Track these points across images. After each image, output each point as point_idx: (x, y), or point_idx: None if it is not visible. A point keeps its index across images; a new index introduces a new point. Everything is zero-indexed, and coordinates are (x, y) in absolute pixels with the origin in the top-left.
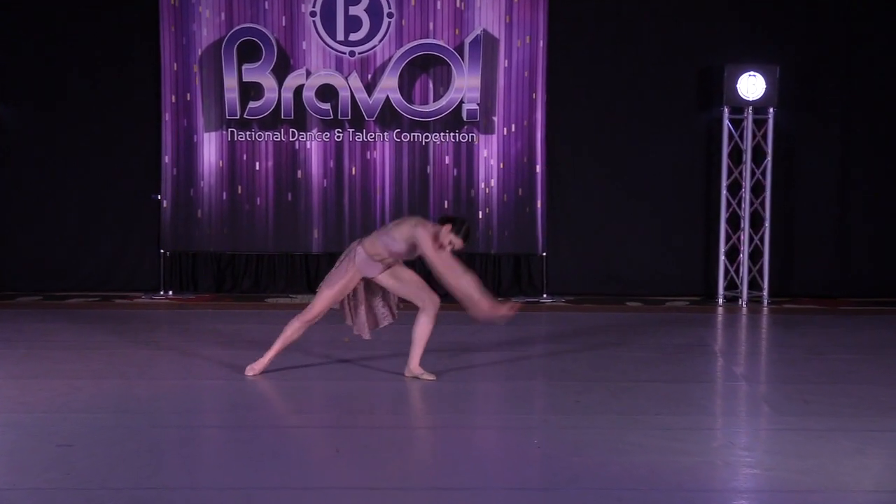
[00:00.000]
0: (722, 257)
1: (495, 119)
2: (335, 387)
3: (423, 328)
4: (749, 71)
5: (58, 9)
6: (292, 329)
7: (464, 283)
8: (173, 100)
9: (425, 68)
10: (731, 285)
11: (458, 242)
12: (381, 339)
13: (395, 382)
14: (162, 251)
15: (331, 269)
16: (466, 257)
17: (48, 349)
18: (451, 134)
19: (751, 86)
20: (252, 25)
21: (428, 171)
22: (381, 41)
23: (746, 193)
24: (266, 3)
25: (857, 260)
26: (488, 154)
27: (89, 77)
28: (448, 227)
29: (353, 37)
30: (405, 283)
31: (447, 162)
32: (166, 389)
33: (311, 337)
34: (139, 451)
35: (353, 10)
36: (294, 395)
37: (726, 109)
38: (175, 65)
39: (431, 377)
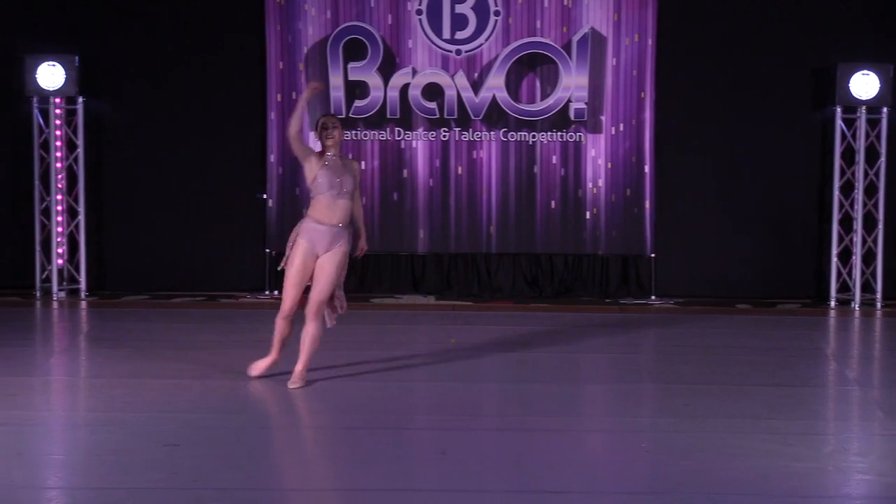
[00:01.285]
0: (834, 259)
1: (603, 118)
2: (439, 388)
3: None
4: (862, 70)
5: (163, 7)
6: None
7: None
8: (279, 98)
9: (532, 67)
10: (844, 288)
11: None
12: (490, 338)
13: (500, 384)
14: (268, 250)
15: (436, 269)
16: (573, 259)
17: (154, 349)
18: (559, 133)
19: (864, 85)
20: (358, 24)
21: (535, 170)
22: (487, 39)
23: (859, 194)
24: (372, 2)
25: None
26: (596, 154)
27: (195, 75)
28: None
29: (460, 35)
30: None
31: (554, 161)
32: (271, 389)
33: (416, 337)
34: (245, 451)
35: (459, 9)
36: (397, 395)
37: (839, 109)
38: (281, 63)
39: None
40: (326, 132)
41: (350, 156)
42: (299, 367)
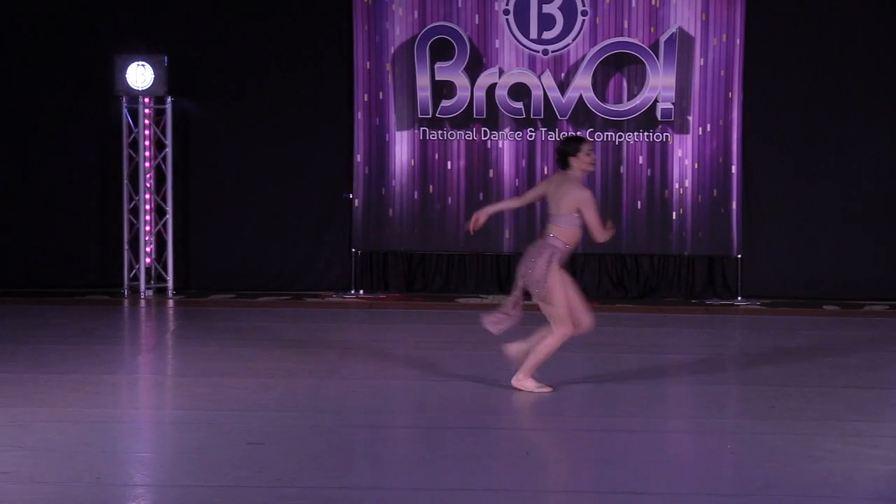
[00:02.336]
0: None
1: (690, 118)
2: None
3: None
4: None
5: (250, 7)
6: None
7: None
8: (366, 98)
9: (619, 67)
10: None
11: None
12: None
13: (585, 385)
14: (353, 250)
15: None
16: (659, 260)
17: (240, 347)
18: (645, 133)
19: None
20: (445, 24)
21: (621, 170)
22: (574, 39)
23: None
24: (459, 2)
25: None
26: (683, 154)
27: (281, 75)
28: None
29: (547, 35)
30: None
31: (641, 162)
32: (356, 388)
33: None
34: (329, 450)
35: (546, 9)
36: (483, 396)
37: None
38: (368, 63)
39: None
40: (591, 157)
41: (436, 156)
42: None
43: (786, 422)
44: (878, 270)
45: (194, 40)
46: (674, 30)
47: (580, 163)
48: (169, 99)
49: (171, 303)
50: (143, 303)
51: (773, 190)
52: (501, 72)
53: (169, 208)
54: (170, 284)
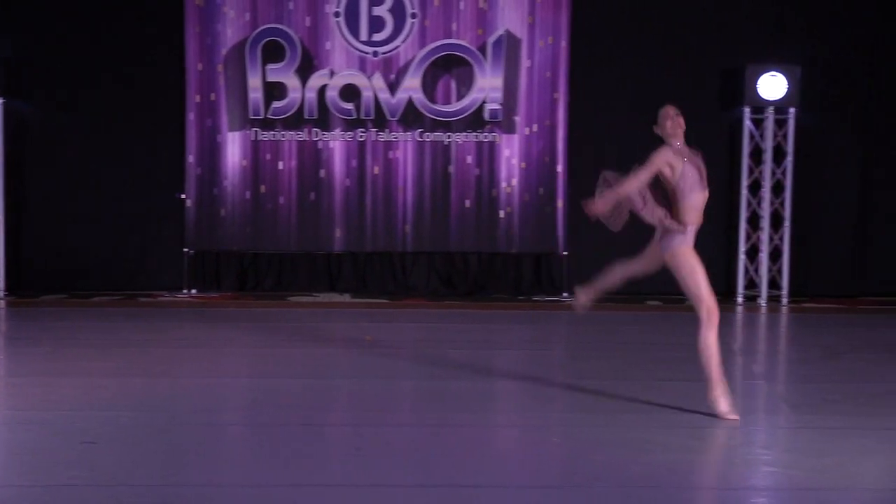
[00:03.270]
0: (742, 257)
1: (517, 119)
2: (354, 385)
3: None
4: (770, 71)
5: (83, 8)
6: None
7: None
8: (198, 99)
9: (448, 68)
10: (751, 285)
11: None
12: (405, 335)
13: (415, 381)
14: (186, 250)
15: (352, 267)
16: (487, 257)
17: (72, 347)
18: (473, 134)
19: (772, 85)
20: (276, 26)
21: (450, 170)
22: (404, 41)
23: (766, 193)
24: (290, 4)
25: (877, 260)
26: (510, 154)
27: (114, 76)
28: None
29: (377, 37)
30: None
31: (469, 161)
32: (189, 387)
33: (334, 334)
34: (162, 448)
35: (376, 11)
36: (315, 394)
37: (747, 109)
38: (200, 65)
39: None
40: (672, 122)
41: (268, 156)
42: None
43: (611, 415)
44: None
45: (26, 42)
46: (501, 32)
47: (661, 130)
48: (0, 100)
49: (2, 304)
50: None
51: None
52: (332, 73)
53: (0, 210)
54: (0, 285)
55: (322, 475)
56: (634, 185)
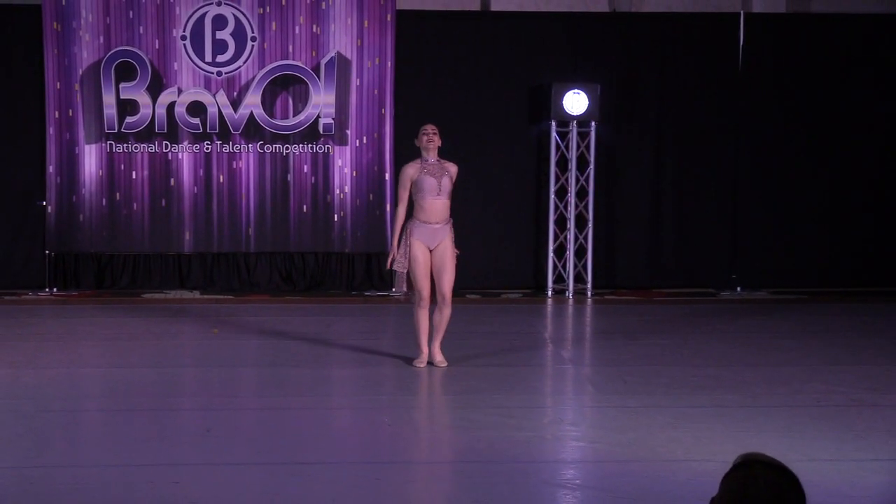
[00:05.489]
0: (551, 254)
1: (349, 132)
2: (203, 373)
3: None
4: (573, 89)
5: None
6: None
7: None
8: (56, 115)
9: (285, 86)
10: (559, 279)
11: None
12: (249, 328)
13: (259, 369)
14: (47, 252)
15: (200, 267)
16: (323, 257)
17: None
18: (309, 145)
19: (575, 102)
20: (128, 48)
21: (288, 178)
22: (245, 62)
23: (572, 197)
24: (141, 28)
25: (667, 255)
26: (342, 163)
27: None
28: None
29: (220, 58)
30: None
31: (306, 170)
32: (52, 377)
33: (184, 328)
34: (27, 433)
35: (219, 34)
36: (167, 381)
37: (554, 123)
38: (58, 83)
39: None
40: (427, 137)
41: (122, 167)
42: (438, 345)
43: (435, 397)
44: (512, 263)
45: None
46: (333, 54)
47: (419, 143)
48: None
49: None
50: None
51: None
52: (180, 91)
53: None
54: None
55: (176, 454)
56: (401, 208)
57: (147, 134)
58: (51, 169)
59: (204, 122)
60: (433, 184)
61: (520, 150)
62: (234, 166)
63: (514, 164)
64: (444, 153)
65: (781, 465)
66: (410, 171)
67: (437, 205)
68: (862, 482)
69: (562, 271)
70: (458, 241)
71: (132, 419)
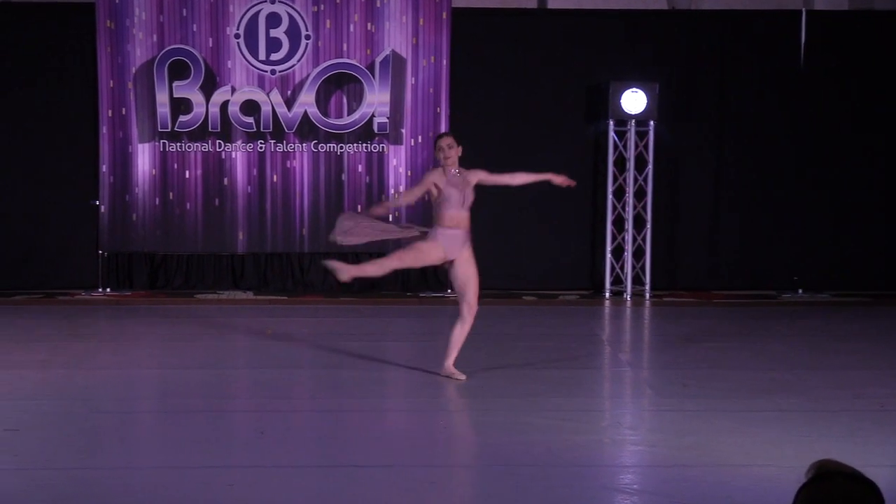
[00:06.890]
0: (608, 255)
1: (403, 131)
2: (257, 374)
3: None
4: (631, 87)
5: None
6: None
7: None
8: (110, 114)
9: (340, 85)
10: (617, 281)
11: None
12: (303, 329)
13: (312, 370)
14: (100, 252)
15: (254, 267)
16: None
17: None
18: (364, 145)
19: (633, 101)
20: (182, 46)
21: (343, 178)
22: (299, 61)
23: (630, 198)
24: (194, 26)
25: (727, 256)
26: (397, 163)
27: (29, 93)
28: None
29: (274, 56)
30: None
31: (360, 170)
32: (105, 378)
33: (237, 328)
34: (80, 434)
35: (273, 33)
36: (221, 383)
37: (611, 122)
38: (111, 82)
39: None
40: (443, 154)
41: (175, 166)
42: (452, 361)
43: (492, 400)
44: (569, 263)
45: None
46: (387, 52)
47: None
48: None
49: None
50: None
51: (476, 193)
52: (234, 90)
53: None
54: None
55: (229, 457)
56: (405, 198)
57: (200, 133)
58: (104, 168)
59: (258, 121)
60: (457, 196)
61: (577, 150)
62: (288, 166)
63: (571, 164)
64: (499, 154)
65: (863, 476)
66: (434, 176)
67: (462, 215)
68: None
69: (619, 272)
70: (515, 242)
71: (185, 421)
